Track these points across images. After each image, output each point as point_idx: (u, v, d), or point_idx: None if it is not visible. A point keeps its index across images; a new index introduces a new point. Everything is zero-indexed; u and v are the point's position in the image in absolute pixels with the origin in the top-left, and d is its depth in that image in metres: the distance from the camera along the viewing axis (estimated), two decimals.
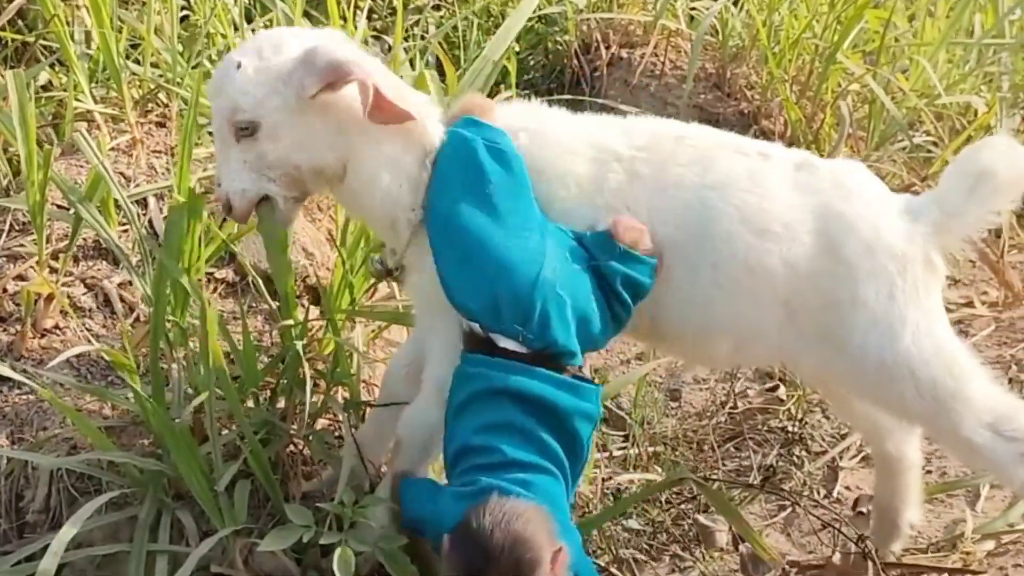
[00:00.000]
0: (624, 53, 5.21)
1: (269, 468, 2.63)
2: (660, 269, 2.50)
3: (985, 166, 2.55)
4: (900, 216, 2.54)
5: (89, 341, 2.93)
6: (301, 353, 2.72)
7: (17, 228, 3.17)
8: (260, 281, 3.05)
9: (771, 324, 2.53)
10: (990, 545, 3.06)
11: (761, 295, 2.50)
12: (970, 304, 4.28)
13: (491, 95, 4.69)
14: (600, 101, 4.62)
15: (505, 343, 2.37)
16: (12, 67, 3.69)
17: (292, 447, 2.81)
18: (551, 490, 2.30)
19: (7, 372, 2.70)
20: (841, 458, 3.51)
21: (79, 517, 2.49)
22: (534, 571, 2.11)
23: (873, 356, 2.50)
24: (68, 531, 2.46)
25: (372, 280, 3.03)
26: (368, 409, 2.90)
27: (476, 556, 2.11)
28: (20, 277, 3.05)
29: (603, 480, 3.34)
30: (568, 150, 2.55)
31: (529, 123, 2.59)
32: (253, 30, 3.77)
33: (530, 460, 2.30)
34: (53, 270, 3.02)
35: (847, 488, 3.41)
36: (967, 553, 3.04)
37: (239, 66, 2.43)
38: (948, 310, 4.02)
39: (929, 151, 4.91)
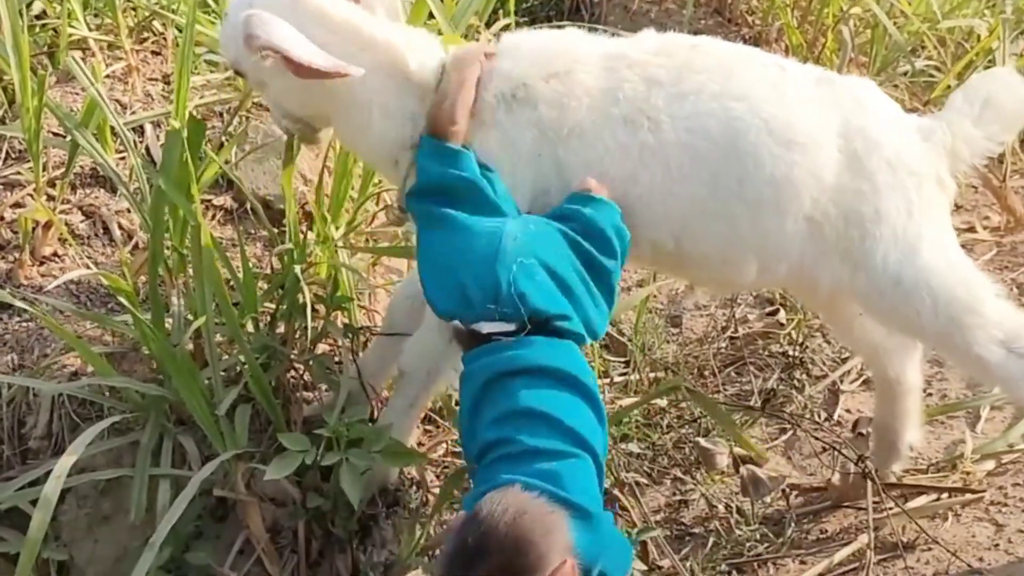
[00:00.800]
0: None
1: (270, 392, 2.63)
2: None
3: (989, 97, 2.58)
4: (914, 134, 2.55)
5: (88, 268, 2.92)
6: (300, 277, 2.71)
7: (13, 156, 3.15)
8: (259, 207, 3.04)
9: (794, 241, 2.50)
10: (990, 465, 3.08)
11: (786, 209, 2.47)
12: (972, 229, 4.27)
13: (489, 23, 4.68)
14: (600, 27, 4.57)
15: (488, 327, 2.25)
16: None
17: (292, 372, 2.81)
18: (580, 476, 2.14)
19: (7, 299, 2.69)
20: (842, 381, 3.52)
21: (81, 442, 2.49)
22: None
23: (892, 271, 2.50)
24: (70, 456, 2.46)
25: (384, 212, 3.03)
26: (370, 336, 2.90)
27: (473, 544, 1.93)
28: (17, 204, 3.04)
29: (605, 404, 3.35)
30: (573, 60, 2.49)
31: (524, 44, 2.55)
32: None
33: (551, 447, 2.13)
34: (51, 198, 3.01)
35: (847, 411, 3.42)
36: (967, 473, 3.05)
37: (225, 16, 2.45)
38: None
39: (931, 76, 4.88)
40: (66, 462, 2.44)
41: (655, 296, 3.80)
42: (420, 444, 2.99)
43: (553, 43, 2.56)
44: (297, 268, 2.72)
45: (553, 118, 2.45)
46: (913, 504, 2.93)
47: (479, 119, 2.46)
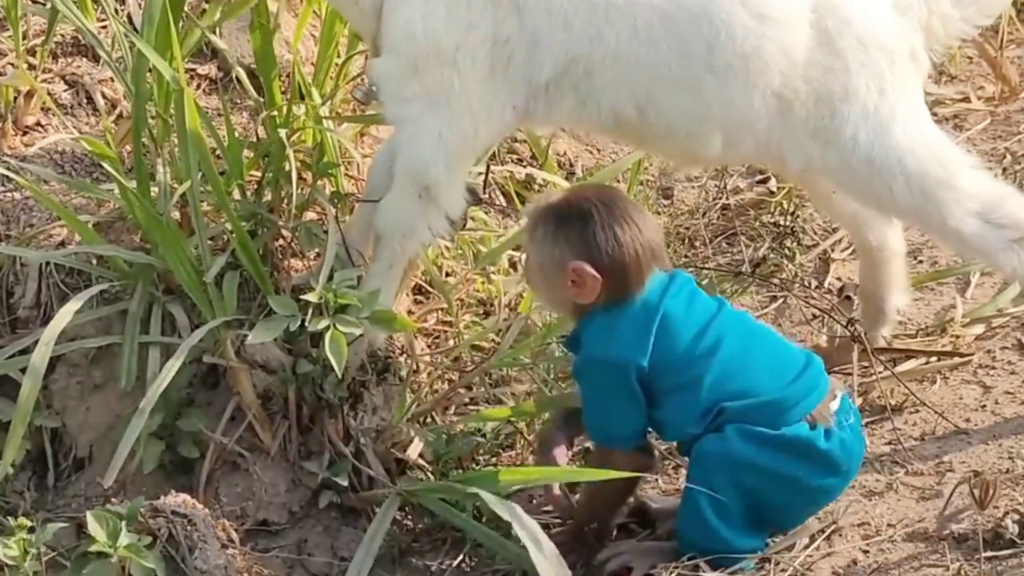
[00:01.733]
0: None
1: (258, 258, 2.62)
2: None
3: None
4: (889, 9, 2.52)
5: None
6: (285, 142, 2.68)
7: None
8: (244, 75, 3.00)
9: (762, 116, 2.49)
10: (979, 329, 3.08)
11: (754, 84, 2.45)
12: (966, 100, 4.21)
13: None
14: None
15: None
16: None
17: (280, 240, 2.79)
18: None
19: None
20: (833, 250, 3.51)
21: (68, 310, 2.50)
22: None
23: (863, 149, 2.49)
24: (59, 322, 2.47)
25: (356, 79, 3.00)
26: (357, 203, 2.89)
27: None
28: None
29: None
30: None
31: None
32: None
33: None
34: (31, 67, 2.97)
35: (838, 279, 3.41)
36: (956, 337, 3.06)
37: None
38: (944, 105, 4.08)
39: None
40: (54, 328, 2.46)
41: (646, 168, 3.77)
42: (410, 312, 2.99)
43: None
44: (282, 133, 2.69)
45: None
46: (902, 368, 2.94)
47: None
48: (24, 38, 2.97)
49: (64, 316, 2.48)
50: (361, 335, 2.49)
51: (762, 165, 3.49)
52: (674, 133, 2.55)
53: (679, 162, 3.11)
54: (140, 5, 3.14)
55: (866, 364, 2.87)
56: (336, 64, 3.05)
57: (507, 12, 2.44)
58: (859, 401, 2.78)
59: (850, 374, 2.87)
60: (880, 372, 2.86)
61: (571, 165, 3.77)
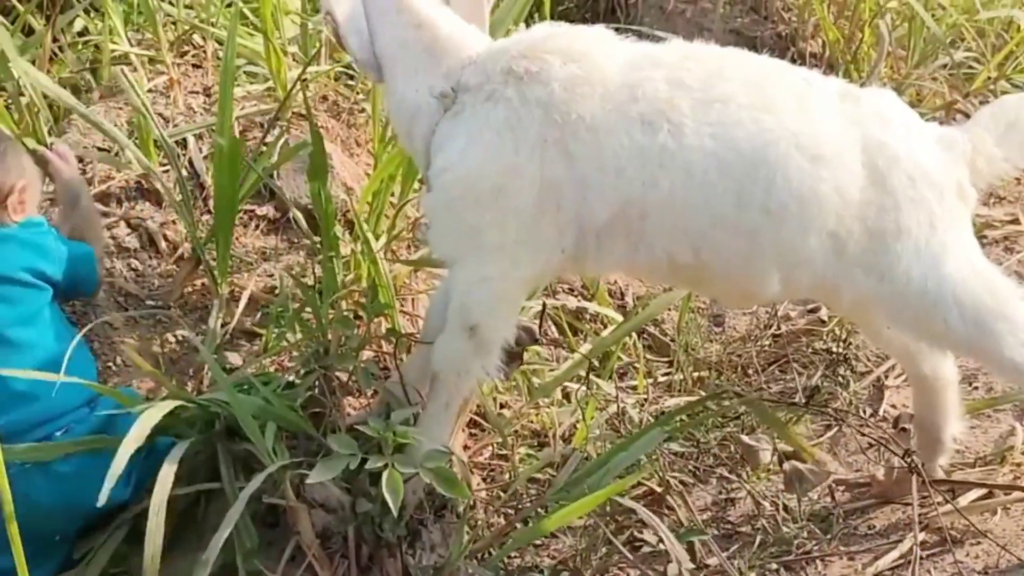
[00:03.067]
0: None
1: (300, 415, 2.65)
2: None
3: (1017, 120, 2.61)
4: (935, 146, 2.56)
5: (135, 281, 2.97)
6: (339, 285, 2.74)
7: None
8: (300, 216, 3.07)
9: (818, 255, 2.50)
10: None
11: (810, 224, 2.46)
12: (1015, 221, 4.23)
13: (526, 24, 4.68)
14: (635, 28, 4.57)
15: None
16: (47, 15, 3.72)
17: (337, 379, 2.83)
18: None
19: None
20: (887, 377, 3.51)
21: (168, 473, 2.41)
22: None
23: (917, 284, 2.51)
24: (163, 488, 2.37)
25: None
26: (413, 342, 2.93)
27: None
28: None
29: (649, 404, 3.36)
30: (596, 48, 2.50)
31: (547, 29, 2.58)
32: None
33: None
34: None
35: (893, 407, 3.40)
36: (1017, 465, 3.03)
37: None
38: (993, 227, 4.09)
39: (971, 67, 4.86)
40: (160, 496, 2.35)
41: (697, 295, 3.80)
42: (466, 447, 3.01)
43: (578, 32, 2.58)
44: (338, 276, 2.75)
45: (563, 100, 2.43)
46: (962, 499, 2.90)
47: (482, 92, 2.47)
48: (90, 184, 3.06)
49: (166, 480, 2.40)
50: (417, 474, 2.51)
51: (815, 300, 3.49)
52: (730, 274, 2.55)
53: (734, 301, 3.11)
54: (200, 150, 3.25)
55: (925, 495, 2.85)
56: (391, 203, 3.11)
57: (555, 155, 2.44)
58: (921, 535, 2.75)
59: (909, 505, 2.85)
60: (940, 505, 2.83)
61: (622, 295, 3.81)
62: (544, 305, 3.14)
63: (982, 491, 2.95)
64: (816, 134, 2.46)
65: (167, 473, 2.38)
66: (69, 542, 2.62)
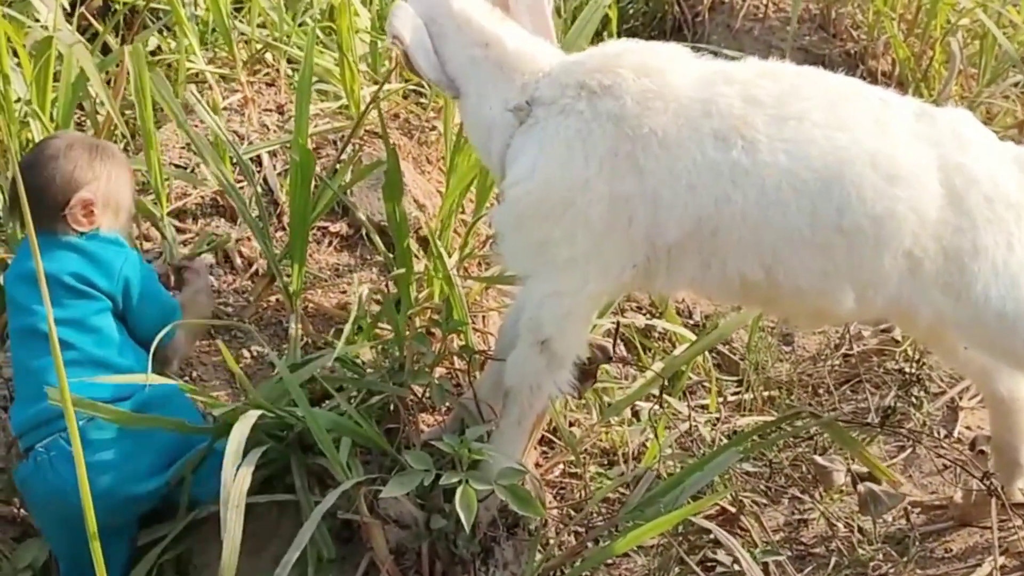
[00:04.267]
0: None
1: (375, 430, 2.67)
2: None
3: None
4: (1012, 166, 2.54)
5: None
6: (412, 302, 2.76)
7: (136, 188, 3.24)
8: (374, 233, 3.09)
9: (892, 275, 2.47)
10: None
11: (886, 244, 2.44)
12: None
13: (592, 44, 4.69)
14: (702, 46, 4.56)
15: None
16: (121, 34, 3.78)
17: (412, 396, 2.84)
18: None
19: None
20: (961, 398, 3.46)
21: (245, 474, 2.43)
22: None
23: (995, 305, 2.48)
24: (240, 486, 2.40)
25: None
26: (486, 359, 2.93)
27: None
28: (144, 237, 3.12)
29: (720, 423, 3.34)
30: (670, 63, 2.50)
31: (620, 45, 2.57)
32: None
33: None
34: (179, 230, 3.10)
35: (968, 428, 3.36)
36: None
37: None
38: None
39: None
40: (239, 492, 2.39)
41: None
42: (537, 465, 3.01)
43: (652, 47, 2.58)
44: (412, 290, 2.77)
45: (635, 114, 2.42)
46: None
47: (555, 105, 2.47)
48: (167, 201, 3.10)
49: (243, 480, 2.43)
50: (492, 492, 2.51)
51: (890, 321, 3.45)
52: (803, 293, 2.52)
53: (805, 321, 3.07)
54: (275, 167, 3.28)
55: (1004, 518, 2.81)
56: (463, 221, 3.13)
57: (626, 170, 2.42)
58: (1001, 559, 2.71)
59: (988, 528, 2.81)
60: (1020, 528, 2.79)
61: (690, 314, 3.80)
62: (617, 324, 3.13)
63: None
64: (892, 153, 2.43)
65: (244, 474, 2.40)
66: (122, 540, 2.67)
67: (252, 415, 2.46)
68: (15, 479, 2.65)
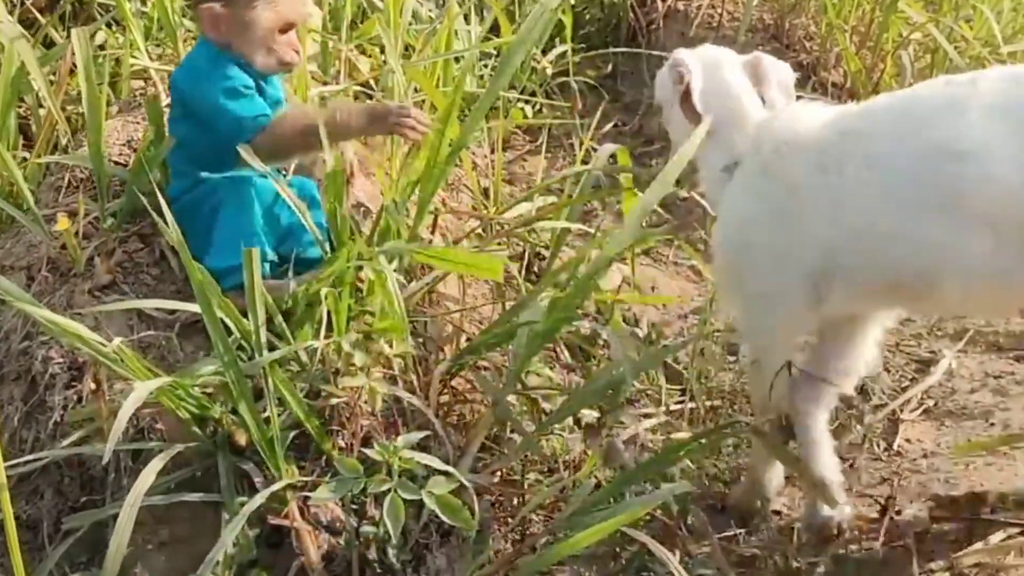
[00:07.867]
0: (681, 5, 5.16)
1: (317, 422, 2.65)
2: None
3: None
4: None
5: (147, 296, 2.95)
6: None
7: (74, 185, 3.20)
8: None
9: (980, 252, 2.51)
10: None
11: (967, 221, 2.49)
12: None
13: (546, 50, 4.69)
14: (657, 54, 4.57)
15: None
16: (68, 27, 3.73)
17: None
18: None
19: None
20: (902, 411, 3.48)
21: (152, 469, 2.48)
22: None
23: None
24: (143, 483, 2.44)
25: None
26: None
27: None
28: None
29: (661, 433, 3.33)
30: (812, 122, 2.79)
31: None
32: None
33: None
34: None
35: (907, 440, 3.38)
36: None
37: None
38: None
39: None
40: (139, 488, 2.43)
41: (711, 323, 3.78)
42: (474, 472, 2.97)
43: (812, 108, 2.86)
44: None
45: (783, 170, 2.75)
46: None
47: (746, 163, 2.84)
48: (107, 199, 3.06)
49: (147, 477, 2.46)
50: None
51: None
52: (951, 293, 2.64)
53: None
54: None
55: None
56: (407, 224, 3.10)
57: (786, 222, 2.75)
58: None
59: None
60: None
61: (636, 322, 3.79)
62: None
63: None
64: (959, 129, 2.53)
65: (149, 472, 2.46)
66: None
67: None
68: None
